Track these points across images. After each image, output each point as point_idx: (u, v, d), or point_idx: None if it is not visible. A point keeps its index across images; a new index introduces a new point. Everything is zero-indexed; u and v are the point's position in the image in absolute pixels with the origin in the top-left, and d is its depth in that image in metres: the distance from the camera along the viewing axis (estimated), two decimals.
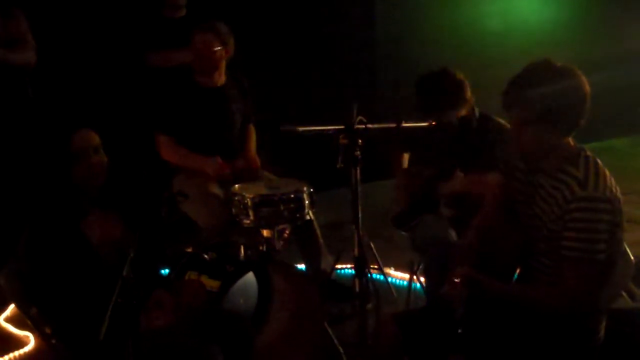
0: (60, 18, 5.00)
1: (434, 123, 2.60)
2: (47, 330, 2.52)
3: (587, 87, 2.39)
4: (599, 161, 2.40)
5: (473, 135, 3.45)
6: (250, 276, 3.18)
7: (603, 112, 7.31)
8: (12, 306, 4.05)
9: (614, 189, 2.34)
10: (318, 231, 4.01)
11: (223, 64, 4.06)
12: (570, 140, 2.42)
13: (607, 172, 2.38)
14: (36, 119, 4.24)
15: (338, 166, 2.63)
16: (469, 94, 3.43)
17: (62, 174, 2.60)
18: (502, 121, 3.32)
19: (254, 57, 5.64)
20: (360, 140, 2.42)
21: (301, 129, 2.56)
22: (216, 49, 3.97)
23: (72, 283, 2.49)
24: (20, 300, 2.60)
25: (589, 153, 2.42)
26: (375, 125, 2.47)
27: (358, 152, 2.41)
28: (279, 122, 2.61)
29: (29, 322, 2.63)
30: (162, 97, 4.03)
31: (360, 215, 2.47)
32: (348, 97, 5.76)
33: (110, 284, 2.33)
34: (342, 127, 2.47)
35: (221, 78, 4.10)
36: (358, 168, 2.41)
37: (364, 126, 2.43)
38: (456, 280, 2.34)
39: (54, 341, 2.50)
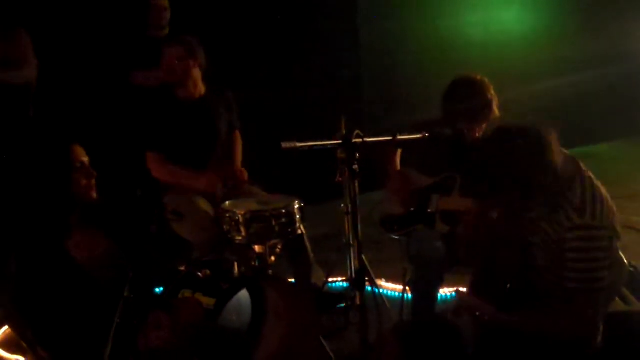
0: (47, 37, 4.99)
1: (426, 135, 2.61)
2: (43, 353, 2.50)
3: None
4: (595, 182, 2.40)
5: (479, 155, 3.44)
6: (243, 293, 3.18)
7: (583, 118, 7.47)
8: (2, 330, 4.02)
9: (610, 207, 2.35)
10: (308, 245, 4.01)
11: (197, 74, 4.10)
12: (566, 162, 2.39)
13: (604, 193, 2.39)
14: (35, 138, 4.22)
15: (337, 180, 2.64)
16: (496, 108, 3.46)
17: (61, 185, 2.58)
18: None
19: (238, 70, 5.67)
20: (357, 154, 2.43)
21: (300, 145, 2.57)
22: (184, 59, 4.02)
23: (62, 303, 2.48)
24: (14, 322, 2.57)
25: (585, 173, 2.41)
26: (372, 139, 2.48)
27: (356, 166, 2.41)
28: (279, 139, 2.61)
29: (24, 345, 2.61)
30: (145, 114, 4.06)
31: (359, 227, 2.47)
32: (333, 108, 5.91)
33: (102, 303, 2.32)
34: (340, 141, 2.48)
35: (198, 89, 4.13)
36: (356, 181, 2.41)
37: (361, 140, 2.45)
38: (462, 310, 2.37)
39: None
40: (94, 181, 2.70)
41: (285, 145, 2.62)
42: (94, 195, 2.69)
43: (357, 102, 6.67)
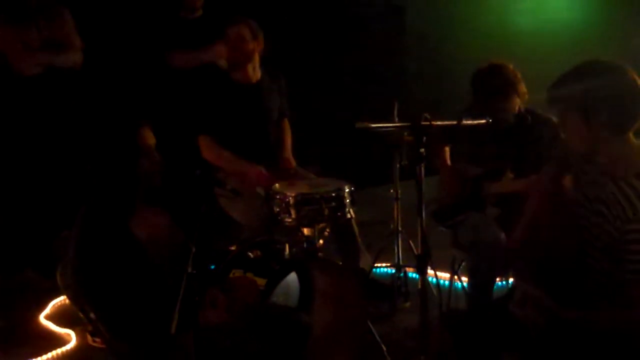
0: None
1: (490, 120, 2.59)
2: (102, 327, 2.53)
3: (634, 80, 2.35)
4: None
5: (526, 133, 3.46)
6: (292, 275, 3.19)
7: None
8: (52, 304, 4.09)
9: None
10: (357, 230, 4.00)
11: (257, 58, 4.09)
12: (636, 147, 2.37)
13: None
14: (87, 120, 4.27)
15: (403, 163, 2.63)
16: (523, 88, 3.51)
17: (129, 169, 2.62)
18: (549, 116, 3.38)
19: (282, 53, 5.66)
20: (424, 138, 2.41)
21: (373, 125, 2.56)
22: (249, 40, 4.00)
23: (125, 281, 2.51)
24: (75, 296, 2.61)
25: None
26: (439, 123, 2.46)
27: (423, 150, 2.40)
28: (353, 119, 2.61)
29: (81, 317, 2.65)
30: (200, 97, 4.06)
31: (424, 213, 2.45)
32: (377, 94, 5.89)
33: (164, 279, 2.34)
34: (409, 124, 2.47)
35: (256, 73, 4.12)
36: (423, 165, 2.40)
37: (429, 123, 2.43)
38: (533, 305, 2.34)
39: (112, 339, 2.51)
40: (159, 167, 2.73)
41: (359, 125, 2.61)
42: (159, 181, 2.72)
43: (402, 89, 6.62)
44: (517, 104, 3.55)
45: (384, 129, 2.64)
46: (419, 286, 2.46)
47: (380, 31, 6.56)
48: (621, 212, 2.29)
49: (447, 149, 3.85)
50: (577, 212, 2.47)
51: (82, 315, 2.62)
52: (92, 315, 2.52)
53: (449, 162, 3.83)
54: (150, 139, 2.74)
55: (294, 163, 4.19)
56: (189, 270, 2.26)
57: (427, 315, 2.51)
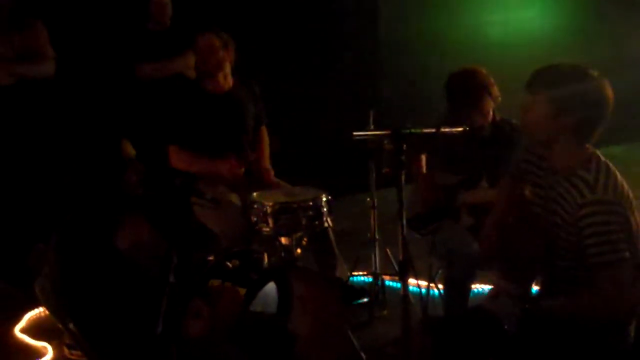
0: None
1: (467, 128, 2.64)
2: (83, 343, 2.51)
3: (609, 94, 2.42)
4: (610, 165, 2.43)
5: (502, 142, 3.51)
6: (270, 285, 3.19)
7: None
8: (27, 316, 4.04)
9: (625, 191, 2.37)
10: (333, 239, 4.02)
11: (227, 67, 4.11)
12: (587, 145, 2.46)
13: (619, 176, 2.42)
14: (62, 130, 4.25)
15: (384, 171, 2.66)
16: (496, 91, 3.55)
17: (114, 181, 2.61)
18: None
19: (256, 62, 5.67)
20: (405, 145, 2.44)
21: (356, 134, 2.60)
22: (219, 49, 4.02)
23: (109, 295, 2.49)
24: (55, 310, 2.59)
25: (601, 157, 2.45)
26: (418, 130, 2.49)
27: (403, 157, 2.43)
28: (329, 129, 2.65)
29: (60, 328, 2.62)
30: (171, 108, 4.07)
31: (404, 220, 2.47)
32: (350, 103, 5.92)
33: (148, 290, 2.34)
34: (389, 132, 2.50)
35: (227, 82, 4.13)
36: (403, 172, 2.43)
37: (408, 131, 2.46)
38: (505, 297, 2.38)
39: (94, 352, 2.49)
40: (142, 177, 2.73)
41: (355, 134, 2.66)
42: (141, 191, 2.72)
43: (376, 100, 6.65)
44: (491, 106, 3.57)
45: (364, 137, 2.66)
46: (402, 292, 2.47)
47: (354, 42, 6.59)
48: (572, 202, 2.36)
49: (423, 157, 3.89)
50: (538, 217, 2.53)
51: (61, 327, 2.60)
52: (71, 327, 2.50)
53: (424, 170, 3.87)
54: (131, 150, 2.74)
55: (272, 174, 4.22)
56: (171, 280, 2.26)
57: (409, 322, 2.53)
